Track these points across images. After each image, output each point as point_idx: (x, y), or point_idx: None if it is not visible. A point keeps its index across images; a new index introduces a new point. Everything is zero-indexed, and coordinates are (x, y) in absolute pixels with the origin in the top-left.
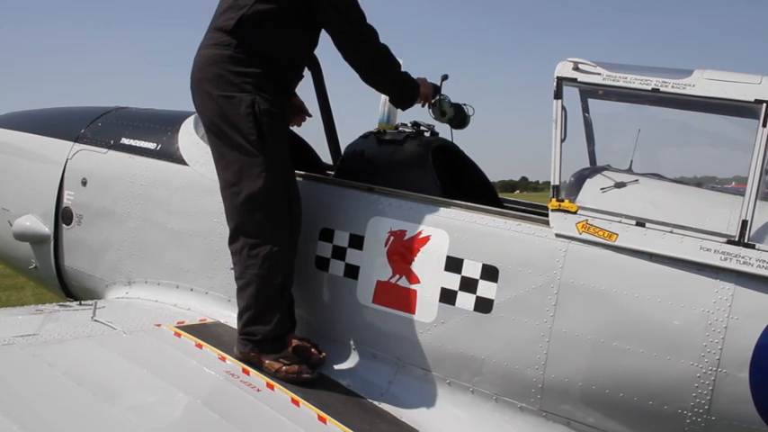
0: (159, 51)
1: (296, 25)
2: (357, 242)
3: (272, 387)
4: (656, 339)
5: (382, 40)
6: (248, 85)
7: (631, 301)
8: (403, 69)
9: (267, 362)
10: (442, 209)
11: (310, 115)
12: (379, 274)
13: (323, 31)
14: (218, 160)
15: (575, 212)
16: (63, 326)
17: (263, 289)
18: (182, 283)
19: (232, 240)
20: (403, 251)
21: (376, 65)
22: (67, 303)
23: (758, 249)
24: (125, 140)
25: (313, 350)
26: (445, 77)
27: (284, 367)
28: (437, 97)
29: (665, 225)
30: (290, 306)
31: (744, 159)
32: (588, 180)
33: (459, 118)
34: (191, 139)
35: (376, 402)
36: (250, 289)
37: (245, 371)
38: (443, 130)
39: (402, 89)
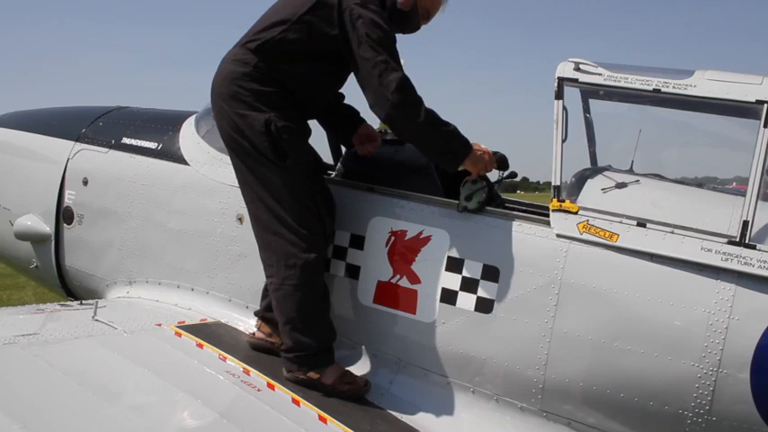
0: (160, 51)
1: (323, 63)
2: (358, 242)
3: (272, 387)
4: (656, 340)
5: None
6: (262, 104)
7: (632, 301)
8: (451, 127)
9: (329, 382)
10: (443, 209)
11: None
12: (379, 275)
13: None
14: (240, 175)
15: (576, 213)
16: (64, 325)
17: (306, 299)
18: (183, 283)
19: (264, 252)
20: (404, 251)
21: (411, 131)
22: (68, 303)
23: (759, 250)
24: (126, 140)
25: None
26: (512, 175)
27: (347, 386)
28: (480, 184)
29: (666, 225)
30: None
31: (745, 160)
32: (589, 180)
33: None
34: (192, 139)
35: (376, 402)
36: (291, 301)
37: (245, 371)
38: None
39: (443, 154)
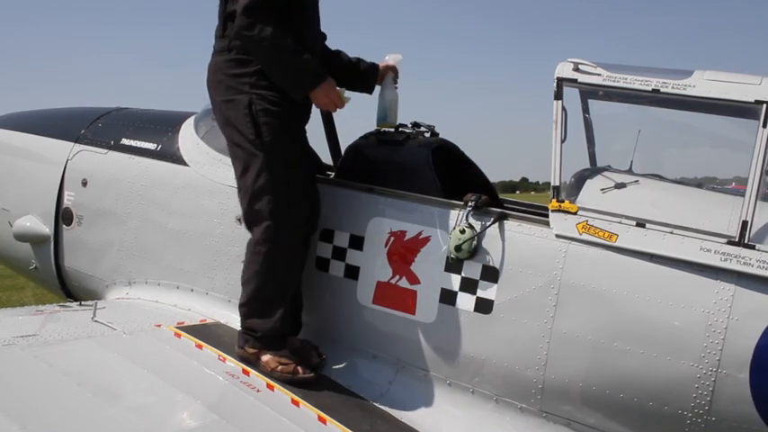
0: (161, 52)
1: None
2: (357, 243)
3: (272, 388)
4: (656, 340)
5: (382, 38)
6: (245, 85)
7: (632, 301)
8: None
9: (264, 359)
10: (442, 209)
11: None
12: (379, 275)
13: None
14: (233, 164)
15: (575, 213)
16: (63, 326)
17: (263, 286)
18: (182, 284)
19: (249, 236)
20: (403, 252)
21: (256, 56)
22: (68, 304)
23: (758, 250)
24: (125, 141)
25: (312, 352)
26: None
27: (280, 366)
28: (470, 233)
29: (665, 226)
30: (295, 309)
31: (744, 160)
32: (588, 181)
33: None
34: (191, 140)
35: (376, 403)
36: (250, 285)
37: (245, 371)
38: (443, 131)
39: (285, 82)
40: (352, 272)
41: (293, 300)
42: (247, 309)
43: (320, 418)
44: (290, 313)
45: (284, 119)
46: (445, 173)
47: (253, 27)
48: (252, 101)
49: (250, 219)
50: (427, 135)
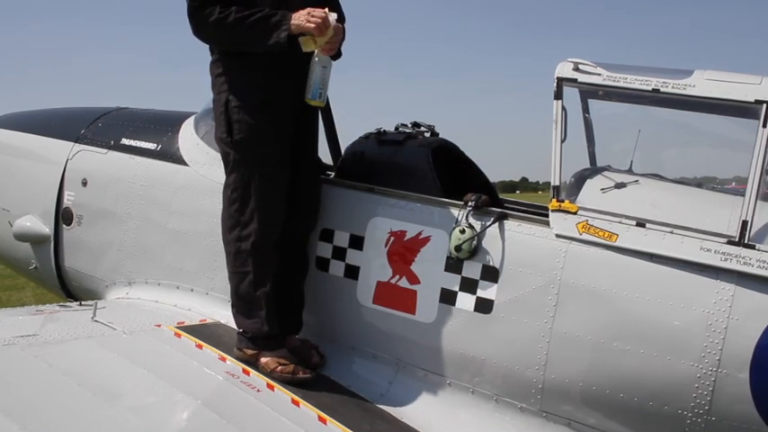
0: (161, 52)
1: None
2: (357, 243)
3: (272, 388)
4: (656, 340)
5: (382, 38)
6: (224, 84)
7: (632, 301)
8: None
9: (263, 361)
10: (442, 209)
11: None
12: (379, 275)
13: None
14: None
15: (575, 213)
16: (63, 326)
17: (239, 285)
18: (182, 284)
19: None
20: (403, 252)
21: (217, 42)
22: (68, 304)
23: (758, 250)
24: (125, 141)
25: (313, 351)
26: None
27: (279, 367)
28: (470, 233)
29: (665, 226)
30: (296, 308)
31: (744, 160)
32: (588, 181)
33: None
34: (191, 140)
35: (376, 403)
36: (231, 285)
37: (245, 371)
38: (443, 131)
39: (266, 39)
40: (352, 272)
41: (291, 298)
42: (235, 309)
43: (320, 418)
44: (275, 312)
45: (259, 118)
46: (445, 173)
47: (201, 25)
48: (228, 99)
49: (223, 216)
50: (427, 135)
